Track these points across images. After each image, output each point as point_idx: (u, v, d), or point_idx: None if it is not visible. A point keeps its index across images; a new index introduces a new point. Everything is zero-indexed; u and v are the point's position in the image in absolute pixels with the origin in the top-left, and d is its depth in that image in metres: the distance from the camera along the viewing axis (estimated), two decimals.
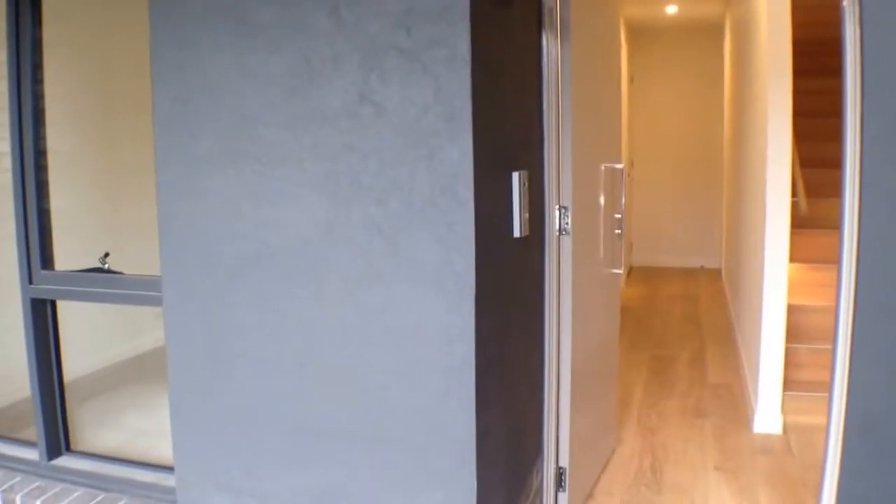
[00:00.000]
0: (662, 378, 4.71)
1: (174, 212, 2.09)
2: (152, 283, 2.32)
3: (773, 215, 3.63)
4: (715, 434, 3.77)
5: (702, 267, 8.47)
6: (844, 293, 2.09)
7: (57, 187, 2.66)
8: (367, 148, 1.82)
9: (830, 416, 2.16)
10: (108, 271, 2.58)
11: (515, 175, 2.15)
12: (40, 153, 2.58)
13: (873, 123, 1.92)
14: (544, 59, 2.53)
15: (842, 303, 2.10)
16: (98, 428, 2.93)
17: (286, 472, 2.10)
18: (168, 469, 2.47)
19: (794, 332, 4.01)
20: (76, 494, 2.58)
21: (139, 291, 2.47)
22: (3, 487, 2.63)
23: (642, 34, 8.24)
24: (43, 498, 2.55)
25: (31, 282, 2.63)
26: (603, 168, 3.15)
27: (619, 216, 3.28)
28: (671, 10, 7.24)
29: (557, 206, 2.65)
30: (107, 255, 2.58)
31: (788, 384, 3.91)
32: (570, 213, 2.69)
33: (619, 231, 3.31)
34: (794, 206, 3.93)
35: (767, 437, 3.71)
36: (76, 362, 2.86)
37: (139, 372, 3.23)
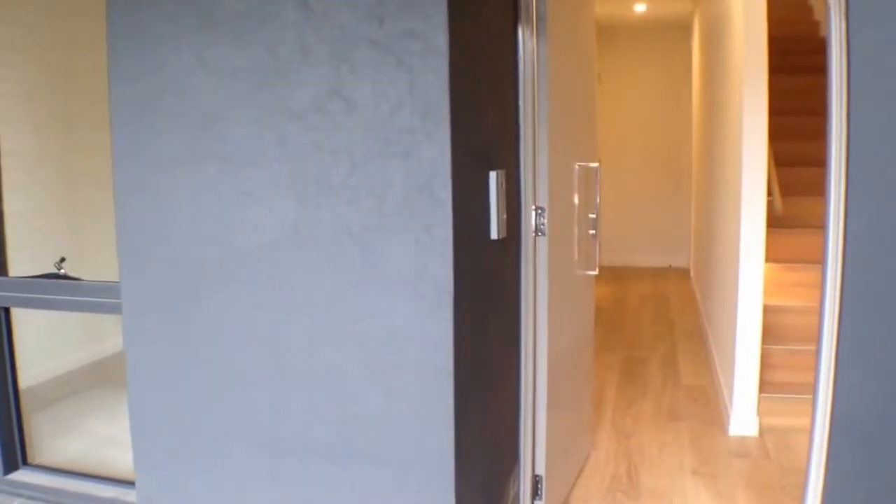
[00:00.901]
0: (635, 380, 4.67)
1: (133, 215, 1.97)
2: (111, 290, 2.20)
3: (748, 215, 3.59)
4: (691, 437, 3.72)
5: (670, 266, 8.47)
6: (829, 295, 2.05)
7: (13, 190, 2.53)
8: (338, 146, 1.71)
9: (815, 421, 2.12)
10: (65, 277, 2.46)
11: (493, 174, 2.06)
12: None
13: (860, 120, 1.87)
14: (520, 54, 2.45)
15: (826, 304, 2.06)
16: (59, 436, 2.82)
17: (254, 489, 1.99)
18: (130, 484, 2.36)
19: (769, 333, 3.98)
20: None
21: (97, 299, 2.35)
22: None
23: (611, 33, 8.22)
24: None
25: None
26: (577, 167, 3.09)
27: (593, 216, 3.22)
28: (640, 8, 7.22)
29: (534, 207, 2.58)
30: (62, 260, 2.46)
31: (763, 386, 3.88)
32: (546, 214, 2.61)
33: (594, 232, 3.24)
34: (770, 206, 3.90)
35: (743, 439, 3.67)
36: (37, 367, 2.74)
37: (104, 376, 3.13)
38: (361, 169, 1.70)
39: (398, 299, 1.74)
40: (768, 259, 3.68)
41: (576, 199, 3.08)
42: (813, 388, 2.11)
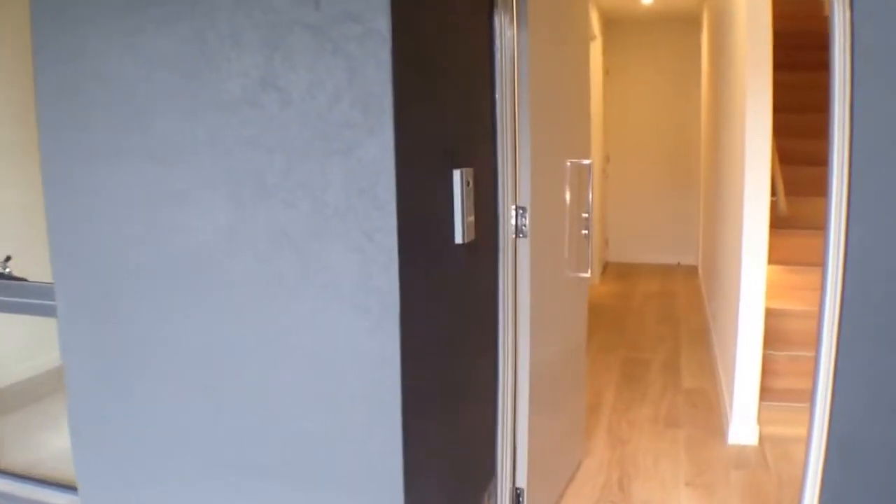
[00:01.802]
0: (635, 382, 4.50)
1: (62, 214, 1.81)
2: (50, 292, 2.05)
3: (751, 215, 3.41)
4: (688, 445, 3.55)
5: (678, 263, 8.28)
6: (829, 303, 1.89)
7: None
8: (272, 142, 1.54)
9: (811, 437, 1.98)
10: (10, 277, 2.31)
11: (457, 173, 1.89)
12: None
13: (863, 116, 1.69)
14: (497, 45, 2.27)
15: (825, 313, 1.90)
16: (19, 443, 2.69)
17: None
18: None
19: (771, 338, 3.80)
20: None
21: (42, 301, 2.20)
22: None
23: (618, 26, 8.00)
24: None
25: None
26: (569, 164, 2.91)
27: (586, 215, 3.04)
28: (646, 0, 7.00)
29: (514, 207, 2.41)
30: (8, 258, 2.31)
31: (765, 393, 3.71)
32: (528, 214, 2.45)
33: (587, 231, 3.07)
34: (773, 206, 3.72)
35: (742, 448, 3.50)
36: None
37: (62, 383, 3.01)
38: (298, 168, 1.53)
39: (340, 312, 1.57)
40: (771, 261, 3.50)
41: (567, 198, 2.92)
42: (810, 401, 1.97)
